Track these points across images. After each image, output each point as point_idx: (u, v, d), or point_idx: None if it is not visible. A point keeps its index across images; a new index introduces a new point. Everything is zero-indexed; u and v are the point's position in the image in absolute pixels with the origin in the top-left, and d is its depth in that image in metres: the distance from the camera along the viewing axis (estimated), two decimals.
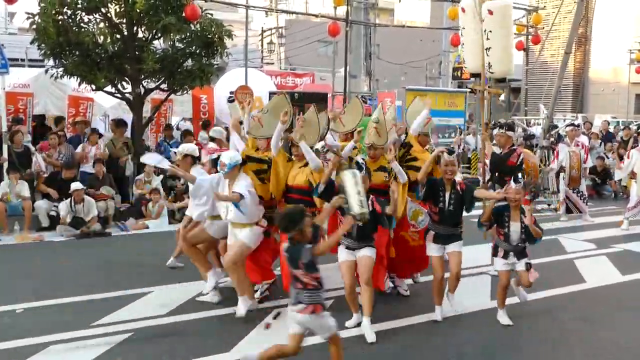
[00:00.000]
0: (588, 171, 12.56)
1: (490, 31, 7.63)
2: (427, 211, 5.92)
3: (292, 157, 6.08)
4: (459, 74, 24.08)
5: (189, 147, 6.34)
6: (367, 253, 5.36)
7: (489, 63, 7.68)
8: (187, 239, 6.20)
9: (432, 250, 5.76)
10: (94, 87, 11.53)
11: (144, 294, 6.53)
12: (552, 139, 13.76)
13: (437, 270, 5.71)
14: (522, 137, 15.75)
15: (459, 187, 5.68)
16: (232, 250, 5.68)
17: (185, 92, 12.37)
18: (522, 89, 25.67)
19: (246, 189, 5.58)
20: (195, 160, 6.31)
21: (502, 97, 47.70)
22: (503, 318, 5.79)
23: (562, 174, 11.51)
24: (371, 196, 5.33)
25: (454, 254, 5.70)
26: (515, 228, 5.65)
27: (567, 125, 12.77)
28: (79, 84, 11.66)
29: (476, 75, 8.81)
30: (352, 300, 5.44)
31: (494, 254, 5.86)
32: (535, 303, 6.28)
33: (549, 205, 12.76)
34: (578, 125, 12.60)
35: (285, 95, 6.42)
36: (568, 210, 11.52)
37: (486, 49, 7.71)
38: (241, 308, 5.67)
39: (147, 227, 10.31)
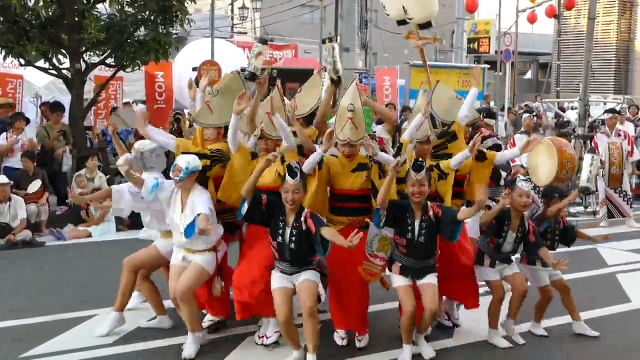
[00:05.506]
0: (634, 167, 12.65)
1: None
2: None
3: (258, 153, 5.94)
4: (475, 46, 24.07)
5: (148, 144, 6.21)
6: (308, 276, 5.36)
7: (403, 6, 6.94)
8: (131, 266, 6.03)
9: (398, 280, 5.60)
10: (22, 61, 11.44)
11: (84, 319, 6.47)
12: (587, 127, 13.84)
13: (406, 302, 5.46)
14: (555, 125, 15.89)
15: (431, 213, 5.47)
16: (187, 277, 5.55)
17: (136, 68, 12.32)
18: (551, 64, 25.84)
19: (208, 206, 5.49)
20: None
21: (529, 75, 48.09)
22: (499, 340, 5.85)
23: (601, 171, 11.59)
24: (305, 210, 5.32)
25: (427, 286, 5.50)
26: (510, 239, 5.80)
27: (605, 112, 12.82)
28: (4, 58, 11.56)
29: (402, 23, 8.08)
30: (290, 333, 5.33)
31: (477, 261, 5.95)
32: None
33: (585, 208, 12.85)
34: (619, 112, 12.61)
35: (237, 72, 6.26)
36: (609, 215, 11.61)
37: None
38: (192, 347, 5.58)
39: (90, 235, 10.29)
